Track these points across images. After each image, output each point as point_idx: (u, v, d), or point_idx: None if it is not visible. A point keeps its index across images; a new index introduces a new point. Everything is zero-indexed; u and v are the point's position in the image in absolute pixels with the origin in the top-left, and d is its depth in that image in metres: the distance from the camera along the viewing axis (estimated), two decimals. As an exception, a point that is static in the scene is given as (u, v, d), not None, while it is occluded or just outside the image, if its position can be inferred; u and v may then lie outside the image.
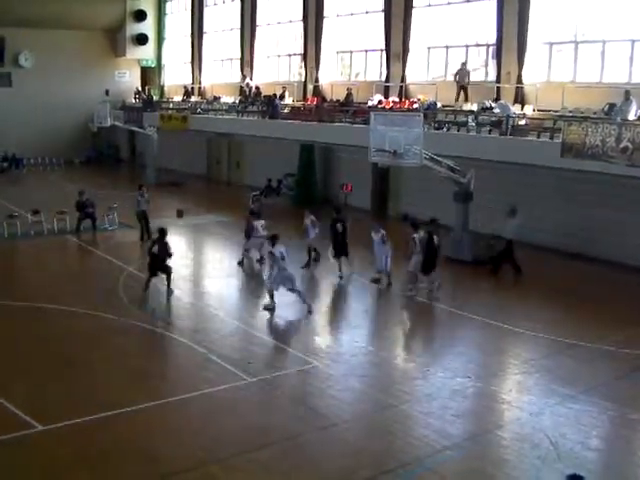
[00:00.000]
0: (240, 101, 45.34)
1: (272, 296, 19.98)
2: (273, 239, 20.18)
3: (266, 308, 20.00)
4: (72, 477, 11.67)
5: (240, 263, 24.87)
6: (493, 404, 14.63)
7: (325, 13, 40.01)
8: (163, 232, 21.77)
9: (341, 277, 23.13)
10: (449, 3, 33.45)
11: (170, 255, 21.57)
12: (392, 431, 13.32)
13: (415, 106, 32.89)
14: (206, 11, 51.60)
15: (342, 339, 18.48)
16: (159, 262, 21.34)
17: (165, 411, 13.94)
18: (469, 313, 19.96)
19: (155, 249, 21.36)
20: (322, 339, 18.64)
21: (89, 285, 23.11)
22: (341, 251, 23.33)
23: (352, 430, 13.43)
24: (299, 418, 13.78)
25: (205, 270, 24.39)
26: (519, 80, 30.00)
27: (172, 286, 21.48)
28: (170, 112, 49.53)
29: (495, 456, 12.48)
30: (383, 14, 36.01)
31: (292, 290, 19.92)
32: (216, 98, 48.57)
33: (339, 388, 15.19)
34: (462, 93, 31.53)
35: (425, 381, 15.51)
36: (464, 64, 30.40)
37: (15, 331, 18.41)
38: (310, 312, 19.77)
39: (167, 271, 21.44)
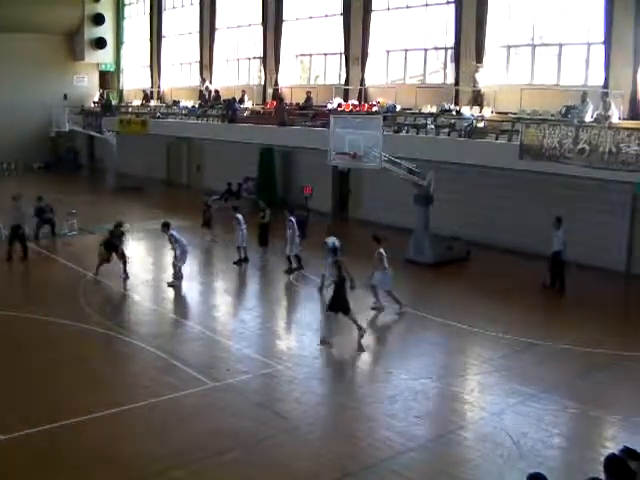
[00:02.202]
0: (199, 105, 45.19)
1: (378, 297, 20.37)
2: (377, 239, 20.43)
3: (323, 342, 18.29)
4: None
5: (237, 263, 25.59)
6: (455, 404, 14.74)
7: (284, 17, 39.99)
8: (119, 225, 24.24)
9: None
10: (408, 7, 33.60)
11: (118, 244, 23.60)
12: (355, 433, 13.35)
13: (374, 109, 33.01)
14: (165, 15, 51.35)
15: (304, 342, 18.47)
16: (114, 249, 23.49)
17: (129, 417, 13.84)
18: (430, 315, 20.08)
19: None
20: (284, 342, 18.64)
21: (49, 291, 22.85)
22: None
23: (315, 433, 13.46)
24: (263, 422, 13.75)
25: (165, 275, 24.23)
26: (476, 82, 30.20)
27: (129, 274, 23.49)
28: (129, 116, 49.23)
29: (458, 456, 12.55)
30: (342, 18, 36.09)
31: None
32: (175, 102, 48.32)
33: (302, 391, 15.20)
34: (478, 98, 29.84)
35: (388, 383, 15.57)
36: (478, 68, 29.38)
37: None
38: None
39: (123, 259, 23.56)
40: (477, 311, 20.70)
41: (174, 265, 23.24)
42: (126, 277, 23.43)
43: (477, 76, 29.80)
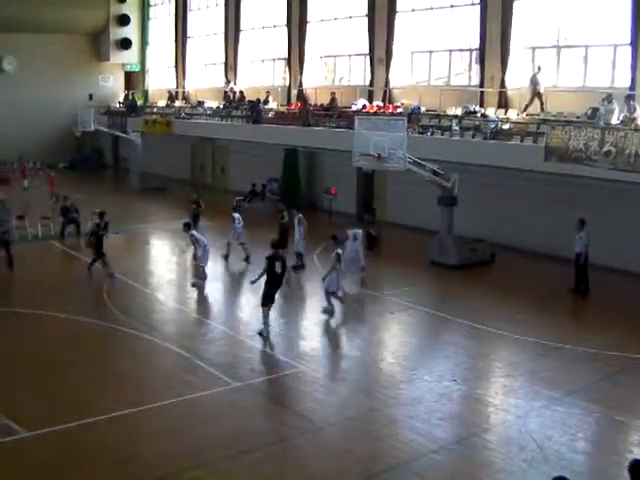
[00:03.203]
0: (224, 106, 45.28)
1: (330, 300, 20.13)
2: (336, 239, 20.58)
3: (326, 311, 19.99)
4: (57, 482, 11.59)
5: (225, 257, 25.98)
6: (479, 407, 14.66)
7: (309, 18, 40.01)
8: (102, 215, 24.70)
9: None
10: (432, 8, 33.50)
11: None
12: (378, 435, 13.32)
13: (399, 110, 32.94)
14: (190, 16, 51.51)
15: (327, 343, 18.46)
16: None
17: (150, 416, 13.88)
18: (454, 317, 19.99)
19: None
20: (308, 343, 18.62)
21: (73, 290, 23.02)
22: None
23: (338, 434, 13.43)
24: (285, 422, 13.77)
25: (189, 275, 24.32)
26: (502, 84, 30.09)
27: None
28: (154, 117, 49.41)
29: (482, 459, 12.48)
30: (367, 19, 36.05)
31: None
32: (200, 103, 48.45)
33: (324, 392, 15.20)
34: (537, 100, 28.61)
35: (411, 385, 15.52)
36: (539, 69, 28.39)
37: (-2, 337, 18.33)
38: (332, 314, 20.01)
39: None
40: (501, 313, 20.59)
41: (197, 265, 23.33)
42: (112, 275, 23.57)
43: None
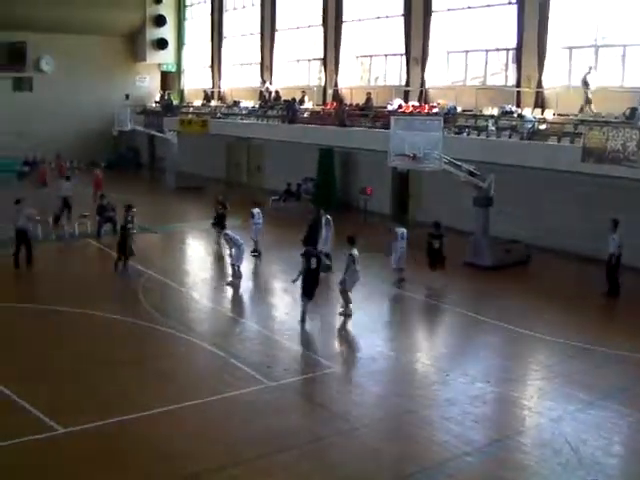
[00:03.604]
0: (260, 105, 45.47)
1: (348, 299, 20.11)
2: (352, 240, 20.43)
3: (345, 314, 19.99)
4: (93, 478, 11.74)
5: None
6: (513, 409, 14.61)
7: (344, 17, 40.06)
8: (129, 208, 25.29)
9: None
10: (469, 7, 33.38)
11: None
12: (412, 436, 13.34)
13: (435, 110, 32.88)
14: (226, 16, 51.76)
15: (362, 343, 18.47)
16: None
17: (186, 414, 14.00)
18: (488, 318, 19.91)
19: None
20: (342, 343, 18.68)
21: (110, 288, 23.28)
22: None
23: (372, 434, 13.46)
24: (319, 422, 13.82)
25: (224, 274, 24.45)
26: (539, 84, 29.91)
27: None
28: (190, 116, 49.72)
29: (515, 462, 12.42)
30: (403, 18, 36.02)
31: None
32: (236, 102, 48.69)
33: (359, 392, 15.23)
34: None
35: (445, 386, 15.50)
36: (590, 69, 27.84)
37: (38, 334, 18.56)
38: (349, 315, 19.93)
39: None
40: (535, 315, 20.45)
41: (232, 265, 23.45)
42: (125, 270, 24.20)
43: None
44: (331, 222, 24.78)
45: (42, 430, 13.00)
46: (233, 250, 23.31)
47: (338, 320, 19.90)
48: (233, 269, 23.49)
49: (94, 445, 12.67)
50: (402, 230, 22.91)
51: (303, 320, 19.33)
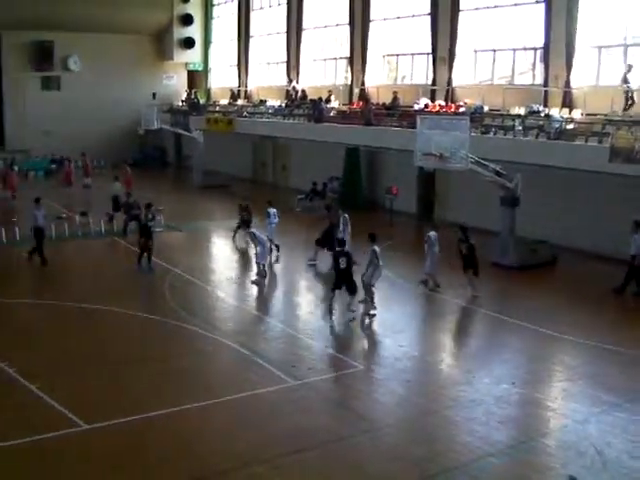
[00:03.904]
0: (286, 104, 45.48)
1: (372, 296, 20.29)
2: (373, 237, 20.53)
3: (369, 314, 20.12)
4: (115, 475, 11.83)
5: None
6: (538, 411, 14.53)
7: (371, 16, 39.94)
8: (149, 206, 25.25)
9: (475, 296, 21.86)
10: (496, 6, 33.20)
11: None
12: (435, 436, 13.31)
13: (462, 110, 32.73)
14: (252, 15, 51.80)
15: (387, 343, 18.45)
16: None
17: (210, 412, 14.07)
18: (514, 319, 19.81)
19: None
20: (367, 343, 18.66)
21: (135, 286, 23.42)
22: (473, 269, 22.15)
23: (395, 434, 13.45)
24: (342, 421, 13.83)
25: (249, 273, 24.52)
26: (567, 84, 29.69)
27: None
28: (216, 115, 49.84)
29: (540, 464, 12.37)
30: (430, 17, 35.88)
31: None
32: (262, 101, 48.73)
33: (382, 392, 15.22)
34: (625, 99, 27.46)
35: (469, 387, 15.43)
36: (630, 67, 26.94)
37: (62, 331, 18.74)
38: (373, 315, 20.02)
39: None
40: (561, 316, 20.30)
41: (257, 263, 23.53)
42: (150, 269, 24.29)
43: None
44: (348, 221, 24.80)
45: (66, 426, 13.15)
46: (258, 249, 23.39)
47: (363, 319, 19.88)
48: (258, 267, 23.56)
49: (118, 441, 12.78)
50: (433, 233, 22.66)
51: (330, 312, 19.97)
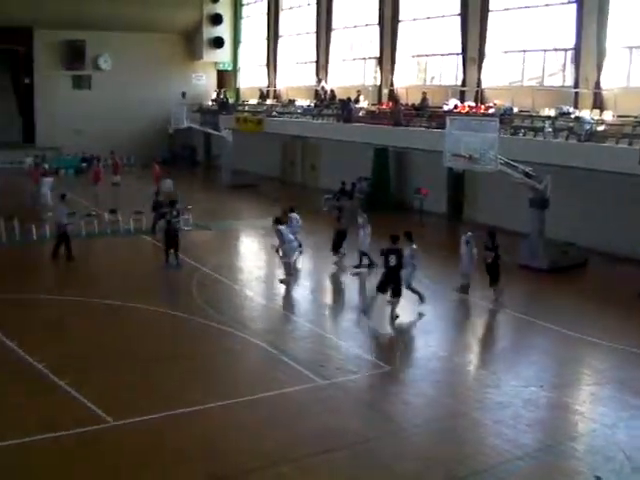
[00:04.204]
0: (315, 104, 45.52)
1: (419, 294, 20.56)
2: (409, 235, 20.74)
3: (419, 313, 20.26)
4: (141, 472, 11.92)
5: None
6: (566, 415, 14.46)
7: (401, 17, 39.91)
8: (173, 203, 25.38)
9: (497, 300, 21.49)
10: (527, 7, 33.04)
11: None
12: (463, 438, 13.29)
13: (491, 111, 32.62)
14: (282, 15, 51.91)
15: (415, 344, 18.44)
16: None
17: (237, 410, 14.13)
18: (543, 321, 19.71)
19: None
20: (394, 343, 18.65)
21: (164, 284, 23.59)
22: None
23: (423, 435, 13.44)
24: (370, 422, 13.84)
25: (278, 272, 24.56)
26: (597, 85, 29.49)
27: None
28: (245, 115, 49.99)
29: (568, 468, 12.30)
30: (460, 18, 35.78)
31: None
32: (291, 101, 48.82)
33: (410, 393, 15.23)
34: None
35: (497, 389, 15.39)
36: None
37: (91, 328, 18.91)
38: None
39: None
40: (591, 319, 20.21)
41: (284, 262, 23.59)
42: (178, 265, 24.60)
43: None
44: (367, 222, 24.69)
45: (94, 422, 13.27)
46: (283, 247, 23.33)
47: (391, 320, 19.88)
48: (284, 266, 23.55)
49: (145, 438, 12.88)
50: (468, 234, 22.30)
51: (366, 312, 19.91)
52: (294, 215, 26.13)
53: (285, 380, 15.54)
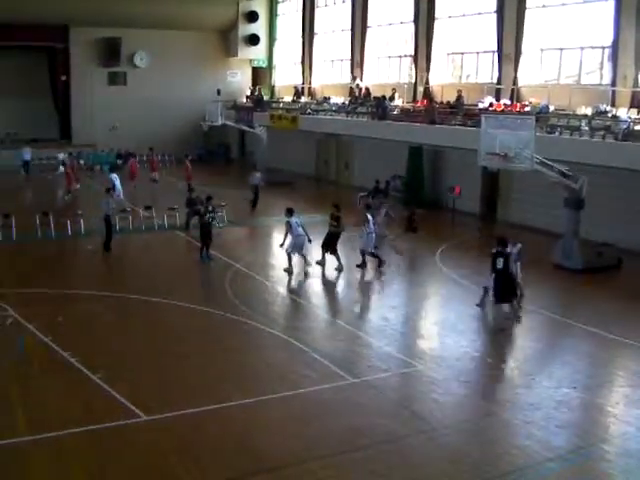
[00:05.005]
0: (350, 102, 45.46)
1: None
2: (504, 242, 20.44)
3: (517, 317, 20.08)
4: (173, 467, 11.97)
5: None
6: (599, 417, 14.30)
7: (436, 14, 39.71)
8: (209, 199, 25.99)
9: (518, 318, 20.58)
10: (564, 4, 32.73)
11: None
12: (493, 439, 13.20)
13: (527, 109, 32.38)
14: (317, 12, 51.89)
15: (447, 343, 18.34)
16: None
17: (267, 407, 14.16)
18: (577, 322, 19.54)
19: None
20: (427, 342, 18.58)
21: (197, 280, 23.72)
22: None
23: (452, 435, 13.36)
24: (400, 421, 13.78)
25: (310, 269, 24.54)
26: (636, 83, 29.15)
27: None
28: (280, 112, 50.04)
29: (599, 471, 12.18)
30: (496, 15, 35.54)
31: None
32: (326, 99, 48.80)
33: (441, 392, 15.12)
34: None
35: (529, 390, 15.26)
36: None
37: (125, 323, 19.08)
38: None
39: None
40: (625, 320, 19.95)
41: (288, 254, 23.94)
42: (209, 259, 24.94)
43: None
44: (371, 220, 24.55)
45: (125, 416, 13.37)
46: (290, 238, 23.75)
47: (423, 319, 19.81)
48: (287, 257, 23.91)
49: (176, 434, 12.95)
50: (518, 246, 20.96)
51: (481, 305, 20.25)
52: (293, 219, 24.60)
53: (316, 377, 15.53)
